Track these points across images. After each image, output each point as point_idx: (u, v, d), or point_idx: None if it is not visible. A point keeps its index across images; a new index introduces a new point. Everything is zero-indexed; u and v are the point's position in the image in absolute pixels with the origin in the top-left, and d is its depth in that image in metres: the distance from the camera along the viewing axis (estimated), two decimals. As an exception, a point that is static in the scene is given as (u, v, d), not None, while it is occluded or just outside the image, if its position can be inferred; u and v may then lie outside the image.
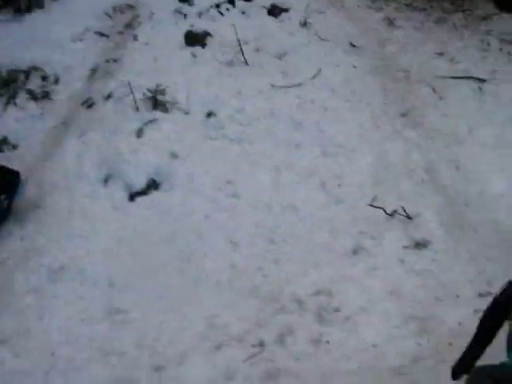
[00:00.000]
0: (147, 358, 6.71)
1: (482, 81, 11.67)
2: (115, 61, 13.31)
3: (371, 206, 8.59)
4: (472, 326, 6.19)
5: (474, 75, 11.84)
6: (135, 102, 11.10)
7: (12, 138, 11.75)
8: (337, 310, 7.12)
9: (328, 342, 6.58)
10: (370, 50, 12.97)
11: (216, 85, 11.72)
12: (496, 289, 4.96)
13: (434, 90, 11.51)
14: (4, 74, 13.18)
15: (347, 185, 9.31)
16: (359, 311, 7.04)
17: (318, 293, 7.39)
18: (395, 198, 8.83)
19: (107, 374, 6.53)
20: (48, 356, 6.92)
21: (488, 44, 12.99)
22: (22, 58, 13.27)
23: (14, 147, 11.56)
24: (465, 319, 6.62)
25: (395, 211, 8.50)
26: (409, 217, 8.42)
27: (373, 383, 5.83)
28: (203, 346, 6.76)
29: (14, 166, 10.38)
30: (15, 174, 9.80)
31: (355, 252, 8.07)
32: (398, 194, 8.96)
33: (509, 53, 12.66)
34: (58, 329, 7.27)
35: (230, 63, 12.34)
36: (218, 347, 6.71)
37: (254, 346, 6.67)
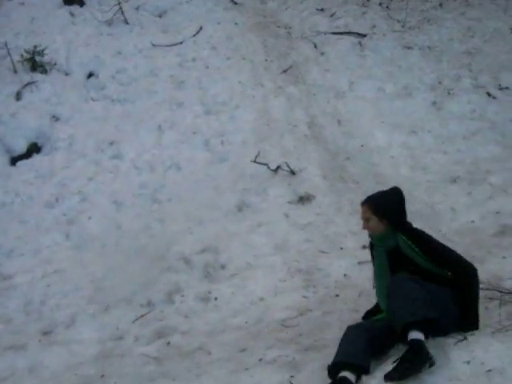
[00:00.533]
0: (35, 323, 6.61)
1: (362, 36, 11.91)
2: (-12, 21, 12.82)
3: (255, 162, 8.66)
4: (357, 277, 6.42)
5: (355, 30, 12.06)
6: (13, 64, 10.80)
7: None
8: (223, 266, 7.17)
9: (216, 298, 6.61)
10: (251, 7, 13.01)
11: (96, 45, 11.55)
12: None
13: (315, 45, 11.67)
14: None
15: (231, 142, 9.38)
16: (246, 267, 7.10)
17: (204, 250, 7.41)
18: (279, 155, 8.94)
19: (-6, 342, 6.42)
20: None
21: (367, -1, 13.23)
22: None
23: None
24: (349, 271, 6.75)
25: (279, 167, 8.61)
26: (293, 172, 8.54)
27: (261, 336, 5.90)
28: (91, 308, 6.72)
29: None
30: None
31: (240, 209, 8.14)
32: (281, 150, 9.07)
33: (388, 8, 12.92)
34: None
35: (109, 22, 12.18)
36: (107, 309, 6.69)
37: (142, 305, 6.66)
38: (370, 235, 5.00)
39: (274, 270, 6.98)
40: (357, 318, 5.30)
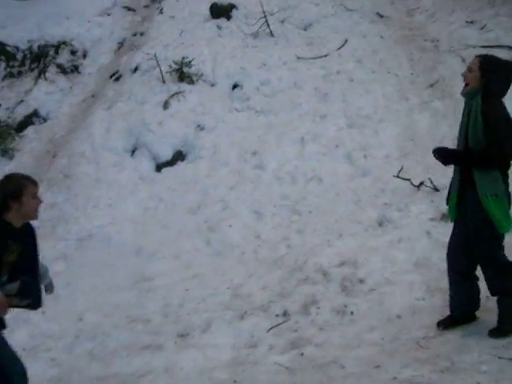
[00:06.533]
0: (172, 325, 6.77)
1: (515, 49, 11.39)
2: (141, 34, 13.49)
3: (398, 177, 8.53)
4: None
5: (506, 44, 11.53)
6: (162, 75, 11.20)
7: (42, 111, 11.95)
8: (361, 281, 7.03)
9: (352, 312, 6.50)
10: (398, 20, 12.85)
11: (241, 57, 11.77)
12: None
13: (463, 59, 11.30)
14: (35, 48, 13.35)
15: (373, 156, 9.29)
16: (384, 283, 6.92)
17: (342, 264, 7.33)
18: (422, 170, 8.74)
19: (133, 339, 6.61)
20: (76, 321, 7.03)
21: (521, 11, 12.69)
22: (52, 33, 13.48)
23: (45, 120, 11.78)
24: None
25: (422, 183, 8.41)
26: (436, 189, 8.29)
27: (397, 354, 5.76)
28: (227, 314, 6.78)
29: (44, 138, 10.53)
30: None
31: (380, 223, 8.01)
32: (425, 166, 8.85)
33: (545, 19, 12.34)
34: (85, 296, 7.37)
35: (255, 35, 12.40)
36: (242, 316, 6.73)
37: (277, 315, 6.66)
38: (463, 88, 5.36)
39: (413, 287, 6.75)
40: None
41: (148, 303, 7.17)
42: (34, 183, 4.80)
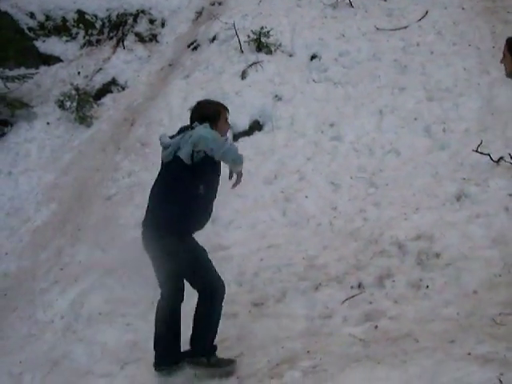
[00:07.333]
0: (247, 294, 6.87)
1: None
2: (220, 4, 13.48)
3: (477, 152, 8.38)
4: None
5: None
6: (240, 44, 11.20)
7: (120, 79, 12.15)
8: (438, 255, 6.96)
9: (428, 286, 6.46)
10: (480, -9, 12.49)
11: (320, 27, 11.68)
12: None
13: (548, 33, 10.98)
14: (113, 17, 13.54)
15: (452, 130, 9.14)
16: (460, 258, 6.83)
17: (418, 237, 7.28)
18: (502, 145, 8.55)
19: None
20: (151, 289, 7.14)
21: None
22: (131, 1, 13.64)
23: (123, 88, 11.97)
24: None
25: (501, 158, 8.23)
26: (516, 164, 8.14)
27: (472, 330, 5.72)
28: (302, 284, 6.84)
29: (121, 106, 10.68)
30: None
31: (458, 198, 7.88)
32: (505, 141, 8.66)
33: None
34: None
35: (334, 5, 12.29)
36: (317, 287, 6.77)
37: (352, 287, 6.69)
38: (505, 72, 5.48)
39: (490, 263, 6.64)
40: None
41: (223, 272, 7.21)
42: (227, 109, 5.45)
